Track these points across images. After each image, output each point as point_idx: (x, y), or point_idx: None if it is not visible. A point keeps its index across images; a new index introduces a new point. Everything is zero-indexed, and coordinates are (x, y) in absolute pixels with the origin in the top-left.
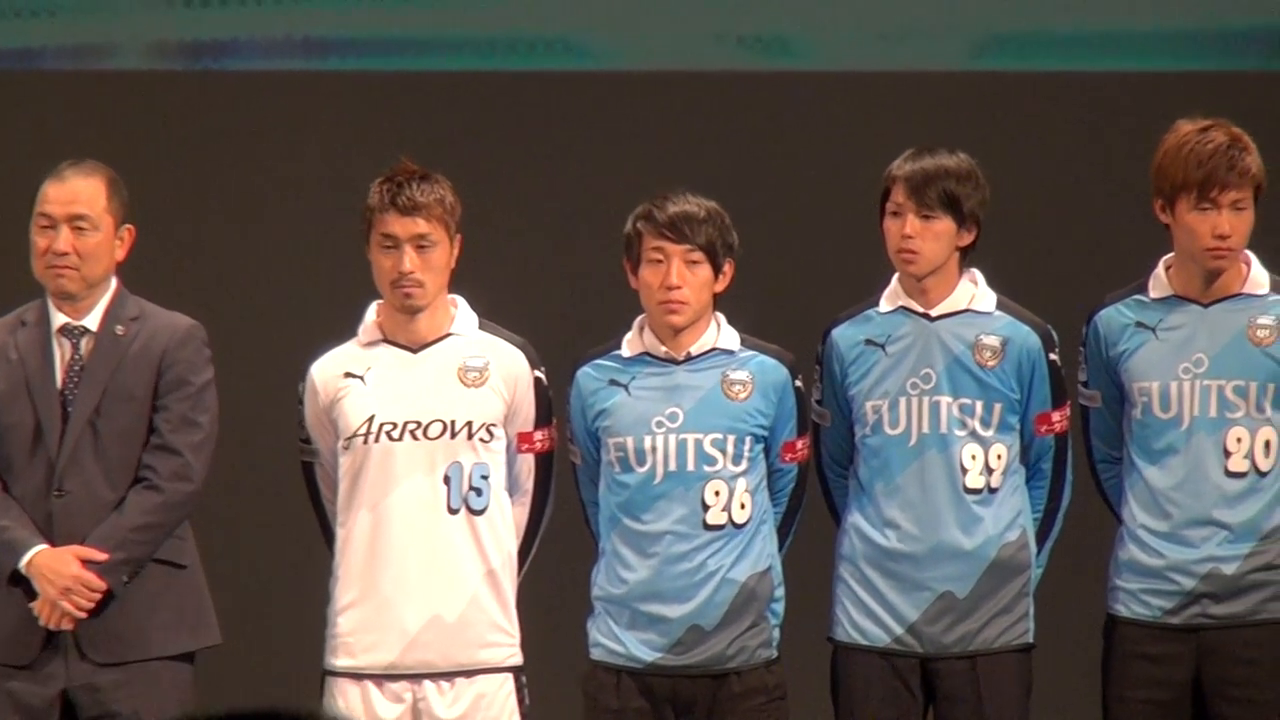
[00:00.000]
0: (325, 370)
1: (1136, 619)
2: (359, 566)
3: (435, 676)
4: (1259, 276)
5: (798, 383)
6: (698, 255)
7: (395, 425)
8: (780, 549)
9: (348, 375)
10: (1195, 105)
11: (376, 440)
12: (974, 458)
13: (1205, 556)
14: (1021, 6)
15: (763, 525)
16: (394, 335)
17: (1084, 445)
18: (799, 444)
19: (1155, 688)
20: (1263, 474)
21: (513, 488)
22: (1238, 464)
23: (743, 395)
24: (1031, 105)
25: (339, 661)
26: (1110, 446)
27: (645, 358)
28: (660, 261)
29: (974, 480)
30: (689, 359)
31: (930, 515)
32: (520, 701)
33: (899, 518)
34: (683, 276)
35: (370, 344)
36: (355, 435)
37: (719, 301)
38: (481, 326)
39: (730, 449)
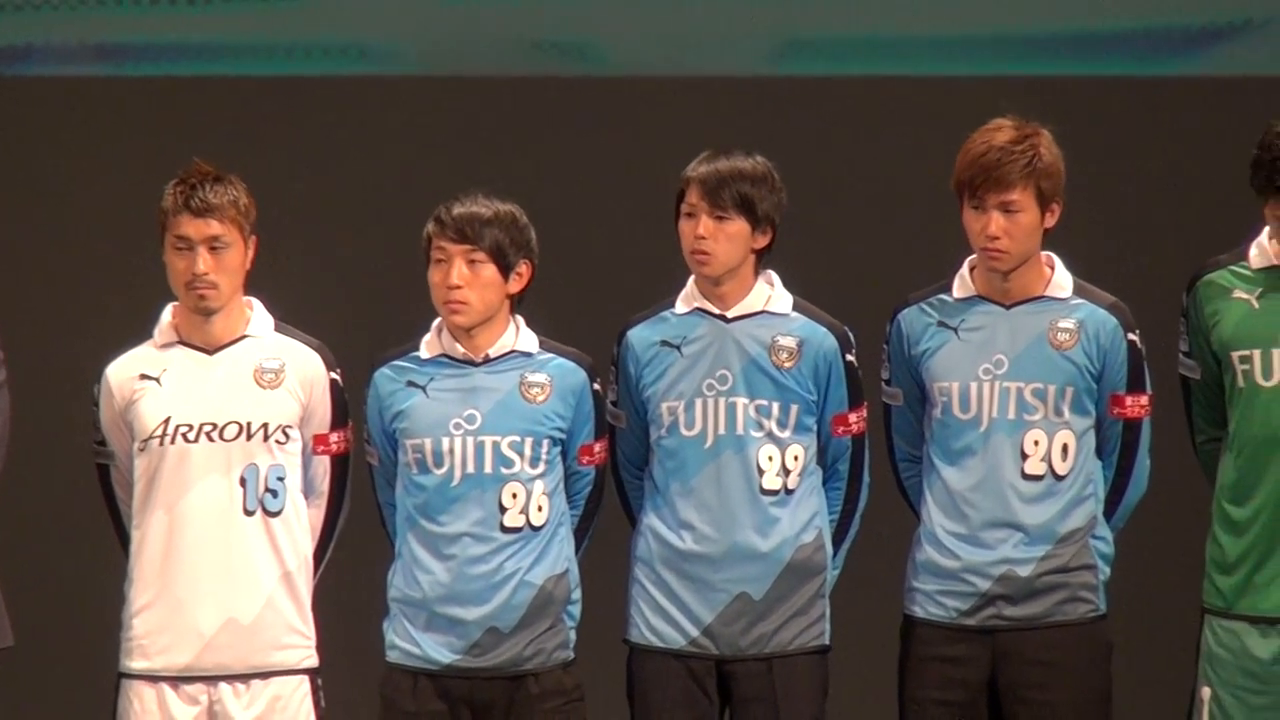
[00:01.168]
0: (120, 372)
1: (932, 620)
2: (154, 568)
3: (231, 678)
4: (1062, 280)
5: (596, 385)
6: (480, 256)
7: (191, 427)
8: (578, 551)
9: (143, 377)
10: (990, 110)
11: (172, 442)
12: (770, 459)
13: (1001, 559)
14: (821, 11)
15: (560, 528)
16: (189, 337)
17: (886, 444)
18: (596, 447)
19: (951, 689)
20: (1059, 477)
21: (308, 490)
22: (1035, 466)
23: (541, 398)
24: (830, 109)
25: (134, 664)
26: (911, 445)
27: (443, 359)
28: (443, 261)
29: (770, 482)
30: (487, 361)
31: (726, 517)
32: (316, 704)
33: (695, 519)
34: (463, 277)
35: (166, 346)
36: (151, 437)
37: (518, 304)
38: (277, 329)
39: (528, 451)
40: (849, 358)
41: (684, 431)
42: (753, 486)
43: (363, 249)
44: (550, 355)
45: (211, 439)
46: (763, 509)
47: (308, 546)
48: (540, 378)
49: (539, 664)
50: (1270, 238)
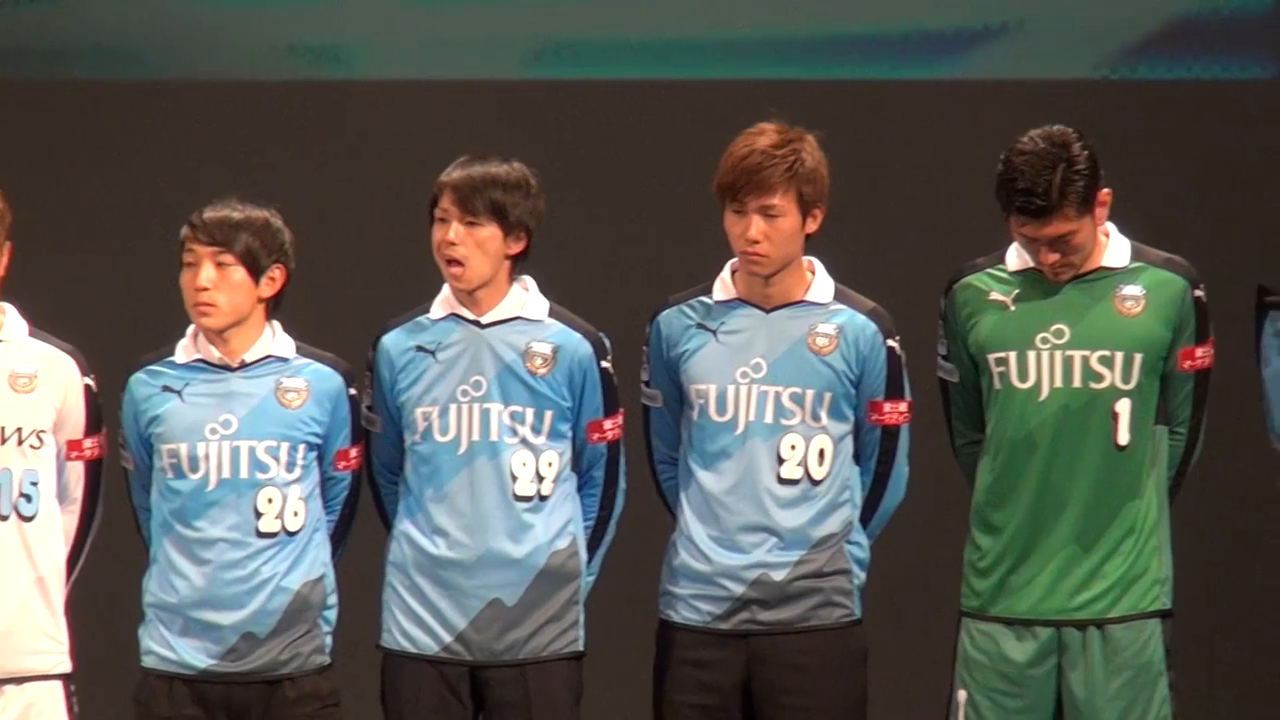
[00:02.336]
0: None
1: (687, 624)
2: None
3: None
4: (822, 285)
5: (352, 391)
6: (229, 259)
7: None
8: (334, 556)
9: None
10: (754, 114)
11: None
12: (524, 465)
13: (755, 563)
14: (578, 15)
15: (316, 533)
16: None
17: (644, 446)
18: (352, 452)
19: (705, 693)
20: (816, 482)
21: (62, 495)
22: (791, 471)
23: (297, 403)
24: (588, 113)
25: None
26: (670, 447)
27: (199, 364)
28: (193, 264)
29: (524, 488)
30: (243, 366)
31: (479, 523)
32: (70, 710)
33: (448, 525)
34: (212, 279)
35: None
36: None
37: (274, 309)
38: (32, 334)
39: (284, 457)
40: (604, 364)
41: (438, 437)
42: (506, 493)
43: (117, 254)
44: (307, 360)
45: None
46: (516, 515)
47: (61, 551)
48: (296, 383)
49: (295, 668)
50: (1020, 245)
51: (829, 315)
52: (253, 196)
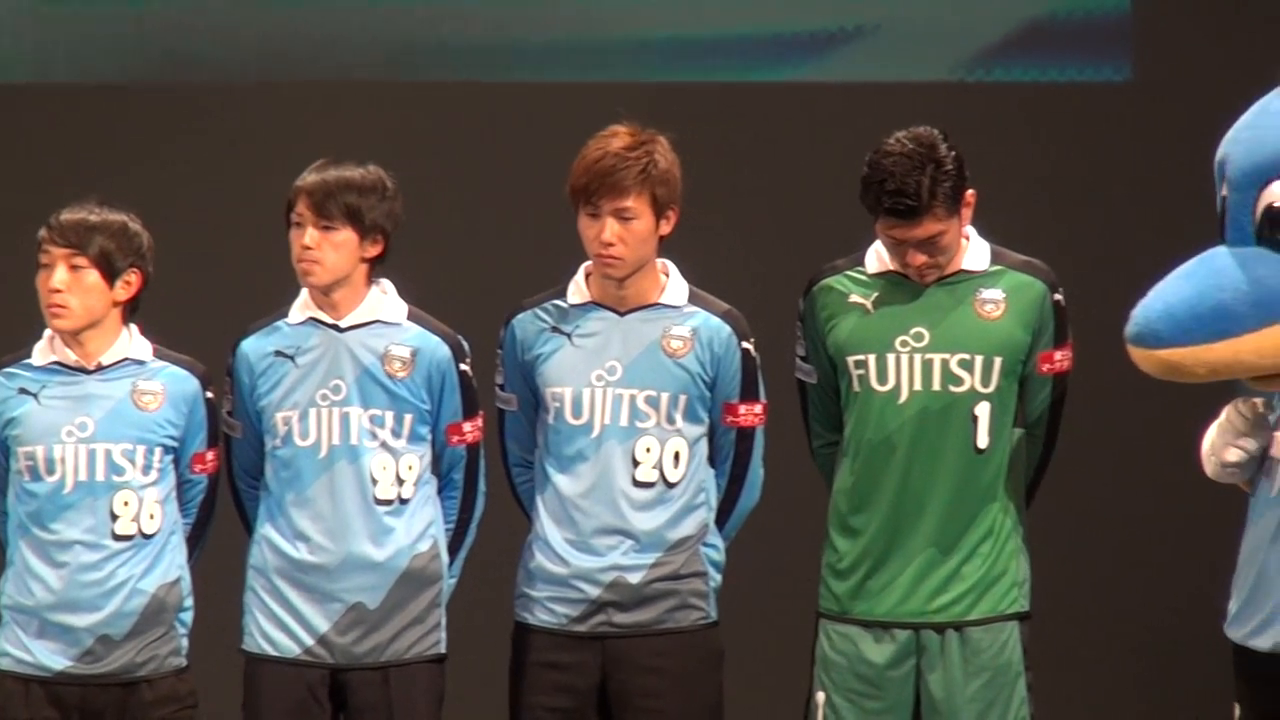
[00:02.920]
0: None
1: (543, 627)
2: None
3: None
4: (677, 288)
5: (209, 394)
6: (83, 261)
7: None
8: (191, 559)
9: None
10: (607, 116)
11: None
12: (385, 469)
13: (611, 565)
14: (439, 17)
15: (173, 536)
16: None
17: (499, 450)
18: (209, 455)
19: (561, 695)
20: (671, 485)
21: None
22: (646, 474)
23: (153, 406)
24: (449, 115)
25: None
26: (525, 451)
27: (56, 367)
28: (48, 266)
29: (385, 491)
30: (100, 369)
31: (340, 527)
32: None
33: (309, 529)
34: (65, 281)
35: None
36: None
37: (132, 312)
38: None
39: (140, 459)
40: (463, 367)
41: (298, 441)
42: (367, 496)
43: None
44: (163, 364)
45: None
46: (377, 519)
47: None
48: (153, 386)
49: (152, 670)
50: (885, 248)
51: (683, 318)
52: (112, 200)
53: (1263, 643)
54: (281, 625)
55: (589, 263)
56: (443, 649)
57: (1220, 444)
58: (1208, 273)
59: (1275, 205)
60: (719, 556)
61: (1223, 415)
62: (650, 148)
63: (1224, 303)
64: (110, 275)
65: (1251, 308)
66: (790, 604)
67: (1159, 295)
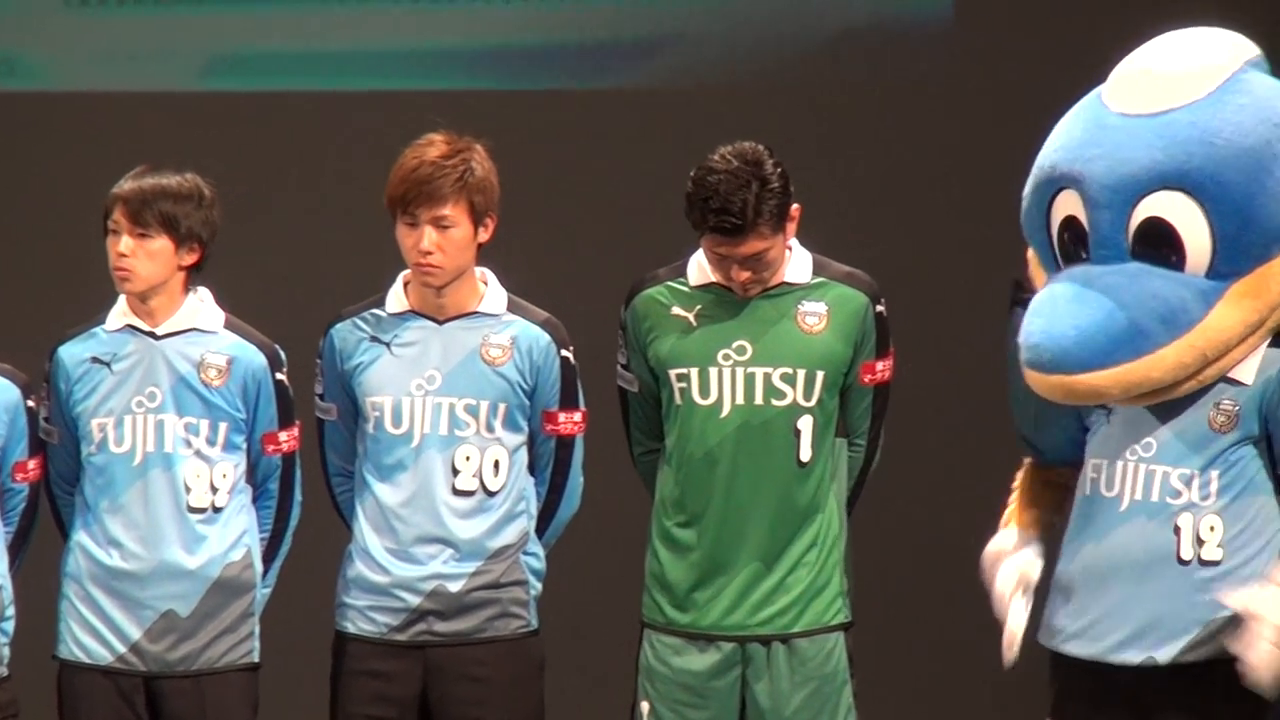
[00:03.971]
0: None
1: (363, 635)
2: None
3: None
4: (495, 296)
5: (30, 403)
6: None
7: None
8: (13, 567)
9: None
10: (423, 125)
11: None
12: (199, 477)
13: (431, 574)
14: (248, 27)
15: None
16: None
17: (319, 458)
18: (30, 464)
19: (382, 704)
20: (491, 493)
21: None
22: (466, 482)
23: None
24: (261, 124)
25: None
26: (344, 460)
27: None
28: None
29: (198, 499)
30: None
31: (153, 534)
32: None
33: (122, 536)
34: None
35: None
36: None
37: None
38: None
39: None
40: (279, 376)
41: (113, 449)
42: (180, 504)
43: None
44: None
45: None
46: (190, 527)
47: None
48: None
49: None
50: (709, 262)
51: (502, 326)
52: None
53: (1082, 649)
54: (94, 633)
55: (407, 272)
56: (255, 658)
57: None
58: (1102, 293)
59: (1155, 217)
60: (539, 565)
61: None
62: (467, 155)
63: (1134, 320)
64: None
65: (1159, 324)
66: (612, 612)
67: (1059, 320)
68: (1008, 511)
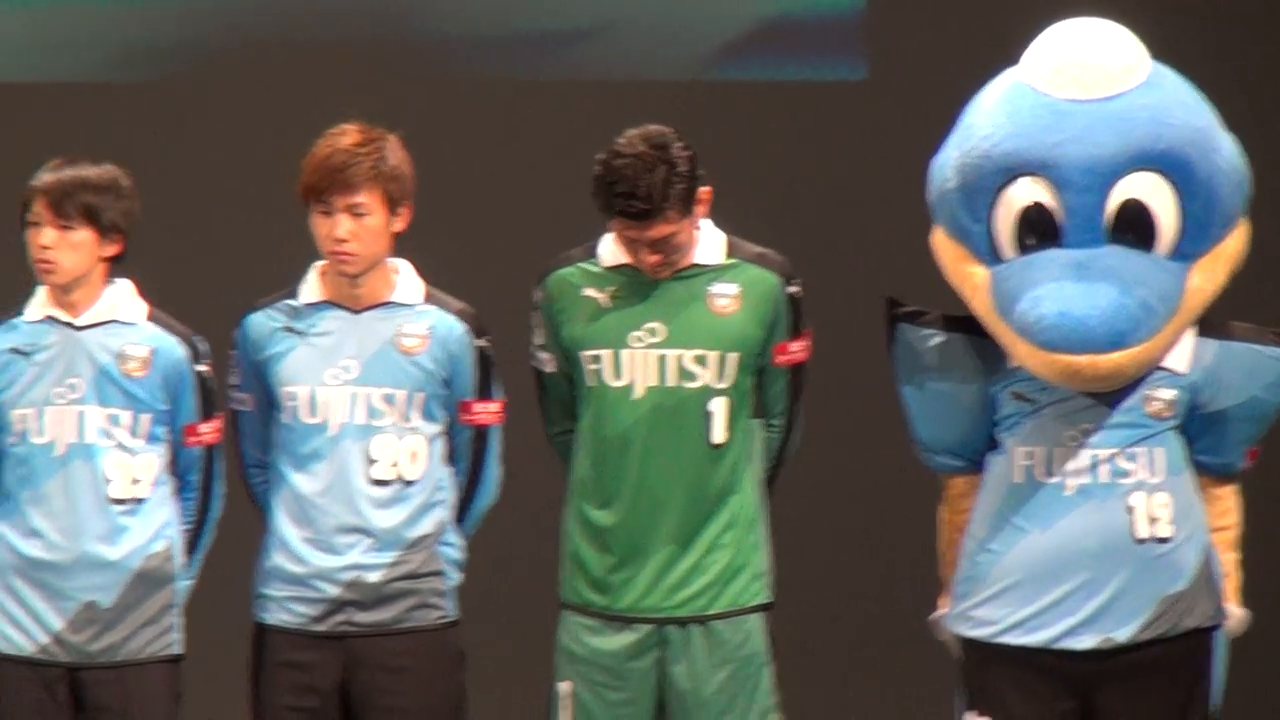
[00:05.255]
0: None
1: (283, 626)
2: None
3: None
4: (410, 286)
5: None
6: None
7: None
8: None
9: None
10: (333, 116)
11: None
12: (120, 468)
13: (350, 564)
14: (159, 18)
15: None
16: None
17: (235, 450)
18: None
19: (304, 695)
20: (409, 483)
21: None
22: (384, 472)
23: None
24: (170, 112)
25: None
26: (261, 451)
27: None
28: None
29: (119, 490)
30: None
31: (75, 525)
32: None
33: (44, 527)
34: None
35: None
36: None
37: None
38: None
39: None
40: (199, 368)
41: (34, 440)
42: (101, 496)
43: None
44: None
45: None
46: (111, 518)
47: None
48: None
49: None
50: (619, 244)
51: (418, 316)
52: None
53: (1024, 638)
54: (16, 623)
55: (321, 263)
56: (178, 649)
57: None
58: (1103, 275)
59: (1132, 199)
60: (458, 555)
61: None
62: (380, 144)
63: (1144, 301)
64: None
65: (1160, 302)
66: (531, 597)
67: (1075, 302)
68: (943, 565)
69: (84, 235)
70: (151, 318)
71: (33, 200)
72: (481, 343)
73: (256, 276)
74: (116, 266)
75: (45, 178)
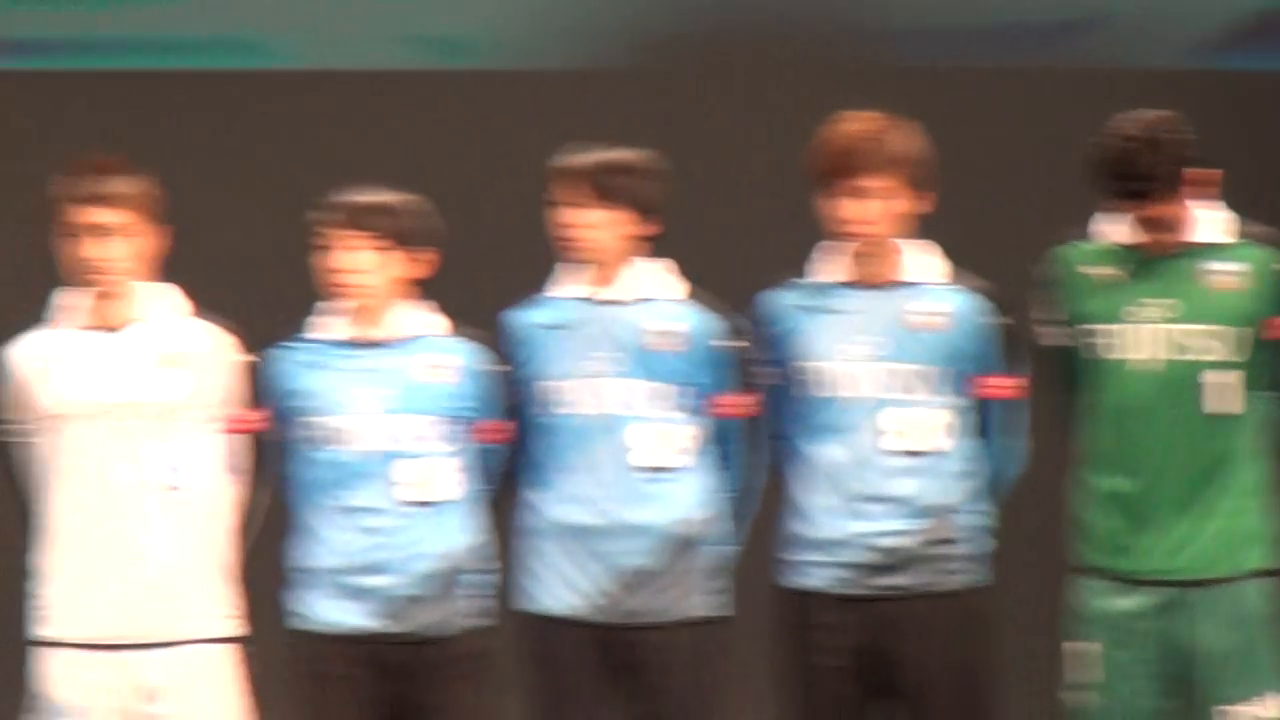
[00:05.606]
0: None
1: (810, 589)
2: None
3: None
4: (924, 265)
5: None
6: None
7: None
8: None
9: None
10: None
11: None
12: (662, 437)
13: (880, 530)
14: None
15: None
16: None
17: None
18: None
19: (831, 655)
20: (940, 454)
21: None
22: (899, 443)
23: None
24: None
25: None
26: (784, 423)
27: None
28: None
29: (659, 459)
30: None
31: (616, 493)
32: None
33: (591, 495)
34: None
35: None
36: None
37: None
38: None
39: None
40: (735, 343)
41: (576, 410)
42: (638, 463)
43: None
44: None
45: None
46: (650, 485)
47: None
48: None
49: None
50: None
51: (933, 295)
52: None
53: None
54: (571, 584)
55: (830, 242)
56: (715, 612)
57: None
58: None
59: None
60: (987, 522)
61: None
62: (894, 130)
63: None
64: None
65: None
66: (1039, 563)
67: None
68: None
69: (617, 216)
70: (691, 295)
71: (562, 181)
72: (1004, 320)
73: (769, 259)
74: (646, 246)
75: (572, 161)
